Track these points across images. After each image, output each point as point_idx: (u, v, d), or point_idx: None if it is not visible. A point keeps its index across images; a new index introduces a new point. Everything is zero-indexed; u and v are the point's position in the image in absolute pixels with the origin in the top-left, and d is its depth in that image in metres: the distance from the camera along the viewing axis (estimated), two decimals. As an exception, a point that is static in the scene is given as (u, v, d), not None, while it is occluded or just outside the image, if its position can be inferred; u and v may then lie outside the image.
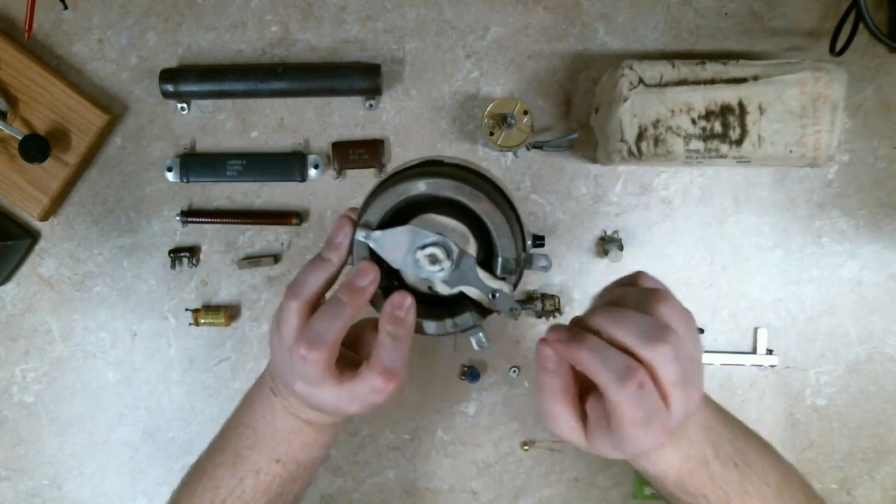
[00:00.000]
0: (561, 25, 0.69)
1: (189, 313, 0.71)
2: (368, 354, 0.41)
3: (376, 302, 0.41)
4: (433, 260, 0.38)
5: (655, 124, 0.61)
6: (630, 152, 0.61)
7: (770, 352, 0.70)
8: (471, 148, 0.70)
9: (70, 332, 0.72)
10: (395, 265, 0.40)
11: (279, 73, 0.67)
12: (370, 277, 0.39)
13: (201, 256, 0.71)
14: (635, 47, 0.69)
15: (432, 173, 0.39)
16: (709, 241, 0.70)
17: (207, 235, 0.71)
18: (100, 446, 0.73)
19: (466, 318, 0.40)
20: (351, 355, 0.44)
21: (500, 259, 0.39)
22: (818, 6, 0.68)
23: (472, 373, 0.70)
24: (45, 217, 0.70)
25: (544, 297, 0.70)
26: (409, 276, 0.41)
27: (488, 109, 0.64)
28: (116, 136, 0.70)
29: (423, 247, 0.38)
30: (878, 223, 0.69)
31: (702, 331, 0.71)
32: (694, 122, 0.60)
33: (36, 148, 0.64)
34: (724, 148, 0.61)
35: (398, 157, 0.70)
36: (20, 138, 0.64)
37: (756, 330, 0.70)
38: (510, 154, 0.70)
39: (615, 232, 0.70)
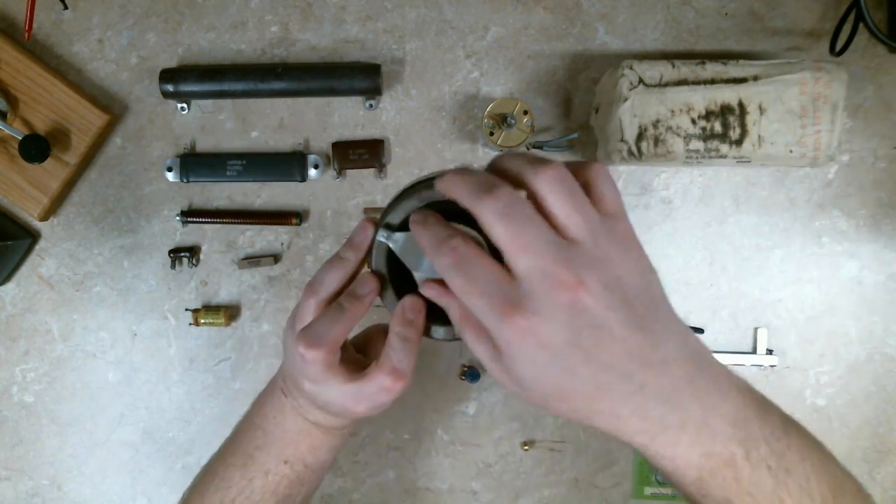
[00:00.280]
0: (561, 25, 0.69)
1: (189, 313, 0.71)
2: (377, 356, 0.42)
3: (389, 303, 0.42)
4: None
5: (655, 124, 0.61)
6: (630, 152, 0.61)
7: (770, 352, 0.70)
8: (471, 148, 0.70)
9: (70, 332, 0.72)
10: (411, 268, 0.40)
11: (279, 73, 0.67)
12: (370, 287, 0.41)
13: (201, 256, 0.71)
14: (635, 47, 0.69)
15: None
16: (709, 241, 0.70)
17: (207, 235, 0.71)
18: (100, 446, 0.73)
19: None
20: (360, 358, 0.45)
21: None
22: (818, 6, 0.68)
23: (472, 373, 0.70)
24: (45, 217, 0.70)
25: None
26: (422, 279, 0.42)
27: (488, 109, 0.64)
28: (116, 136, 0.70)
29: None
30: (878, 223, 0.69)
31: (702, 331, 0.71)
32: (694, 122, 0.60)
33: (36, 148, 0.64)
34: (724, 148, 0.61)
35: (398, 157, 0.70)
36: (20, 138, 0.64)
37: (756, 330, 0.70)
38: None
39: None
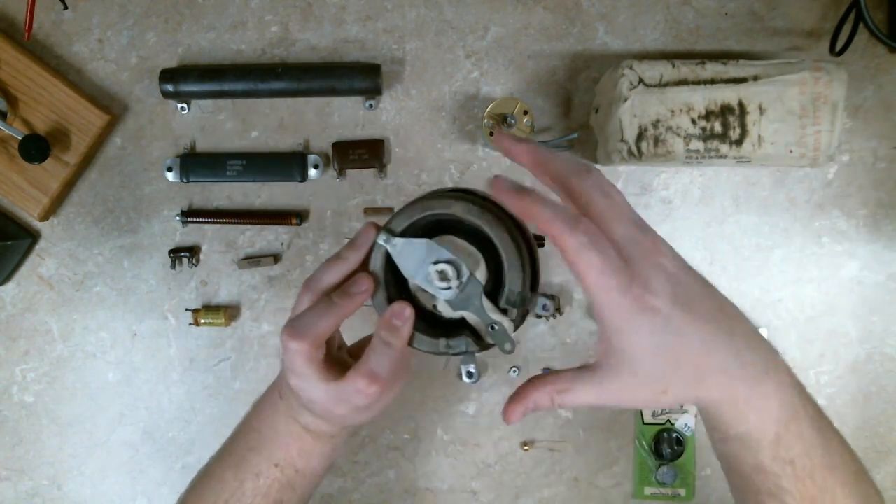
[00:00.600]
0: (561, 25, 0.69)
1: (189, 313, 0.71)
2: None
3: (379, 306, 0.42)
4: (442, 277, 0.39)
5: (655, 124, 0.61)
6: (630, 152, 0.61)
7: (770, 352, 0.70)
8: (471, 148, 0.70)
9: (70, 332, 0.72)
10: (406, 274, 0.41)
11: (279, 73, 0.67)
12: (363, 286, 0.41)
13: (201, 256, 0.71)
14: (635, 47, 0.69)
15: (463, 198, 0.40)
16: (709, 241, 0.70)
17: (207, 235, 0.71)
18: (100, 446, 0.73)
19: (461, 342, 0.41)
20: (351, 362, 0.45)
21: (505, 290, 0.39)
22: (818, 6, 0.68)
23: (471, 372, 0.70)
24: (45, 217, 0.70)
25: (544, 297, 0.70)
26: (417, 291, 0.43)
27: (488, 109, 0.64)
28: (116, 136, 0.70)
29: (436, 262, 0.39)
30: (878, 223, 0.69)
31: (702, 331, 0.71)
32: (694, 122, 0.60)
33: (36, 148, 0.64)
34: (724, 148, 0.61)
35: (398, 157, 0.70)
36: (20, 138, 0.64)
37: (756, 330, 0.70)
38: (510, 154, 0.69)
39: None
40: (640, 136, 0.61)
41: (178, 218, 0.69)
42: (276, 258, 0.71)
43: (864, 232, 0.69)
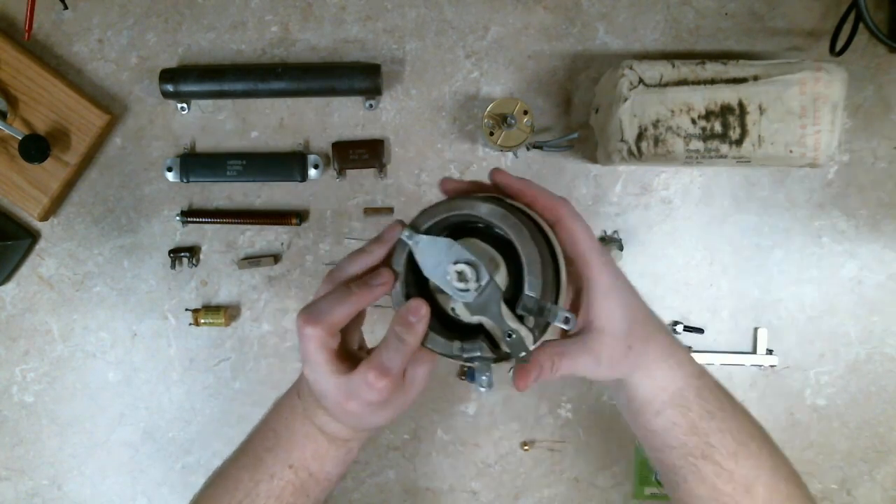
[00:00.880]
0: (561, 25, 0.69)
1: (189, 313, 0.71)
2: None
3: (396, 303, 0.42)
4: (461, 278, 0.38)
5: (655, 124, 0.61)
6: (630, 152, 0.61)
7: (770, 352, 0.70)
8: (471, 148, 0.70)
9: (70, 332, 0.72)
10: (426, 272, 0.40)
11: (279, 73, 0.67)
12: (383, 279, 0.41)
13: (201, 256, 0.71)
14: (635, 47, 0.69)
15: (489, 200, 0.40)
16: (709, 241, 0.70)
17: (207, 235, 0.71)
18: (100, 446, 0.73)
19: (475, 346, 0.40)
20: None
21: (523, 295, 0.38)
22: (818, 6, 0.68)
23: (472, 373, 0.70)
24: (45, 217, 0.70)
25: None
26: (437, 294, 0.42)
27: (488, 109, 0.64)
28: (116, 136, 0.70)
29: (456, 262, 0.38)
30: (878, 223, 0.69)
31: (701, 331, 0.71)
32: (694, 122, 0.60)
33: (36, 148, 0.64)
34: (724, 148, 0.61)
35: (398, 157, 0.70)
36: (20, 138, 0.64)
37: (756, 330, 0.70)
38: (510, 154, 0.70)
39: (615, 232, 0.70)
40: (640, 136, 0.61)
41: (178, 218, 0.69)
42: (276, 258, 0.71)
43: (864, 232, 0.69)
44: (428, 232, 0.40)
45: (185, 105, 0.69)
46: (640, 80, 0.61)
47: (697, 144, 0.61)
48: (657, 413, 0.46)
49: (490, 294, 0.38)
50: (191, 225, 0.70)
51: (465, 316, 0.40)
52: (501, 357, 0.40)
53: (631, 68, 0.61)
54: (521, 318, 0.39)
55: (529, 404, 0.72)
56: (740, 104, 0.60)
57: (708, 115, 0.60)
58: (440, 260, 0.39)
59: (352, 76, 0.67)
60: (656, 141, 0.61)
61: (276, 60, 0.70)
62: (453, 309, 0.41)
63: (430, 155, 0.70)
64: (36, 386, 0.72)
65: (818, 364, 0.71)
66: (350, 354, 0.44)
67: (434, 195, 0.70)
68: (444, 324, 0.42)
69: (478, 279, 0.38)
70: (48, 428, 0.73)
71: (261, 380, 0.72)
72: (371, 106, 0.69)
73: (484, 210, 0.39)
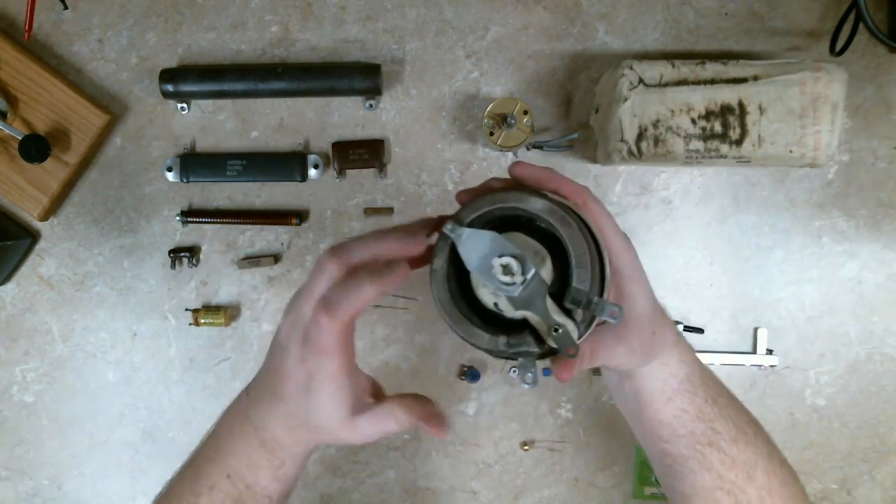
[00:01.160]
0: (561, 25, 0.69)
1: (189, 313, 0.71)
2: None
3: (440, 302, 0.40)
4: (506, 271, 0.37)
5: (655, 124, 0.61)
6: (630, 152, 0.61)
7: (770, 352, 0.70)
8: (471, 148, 0.70)
9: (70, 332, 0.72)
10: (469, 266, 0.38)
11: (279, 73, 0.67)
12: (404, 271, 0.38)
13: (201, 256, 0.71)
14: (635, 47, 0.69)
15: (536, 194, 0.39)
16: (709, 241, 0.70)
17: (207, 235, 0.71)
18: (100, 446, 0.73)
19: (522, 341, 0.39)
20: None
21: (572, 288, 0.38)
22: (818, 6, 0.68)
23: (472, 373, 0.70)
24: (45, 217, 0.70)
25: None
26: (480, 289, 0.41)
27: (488, 109, 0.64)
28: (116, 136, 0.70)
29: (501, 255, 0.37)
30: (878, 223, 0.69)
31: (701, 331, 0.71)
32: (694, 122, 0.60)
33: (36, 148, 0.64)
34: (724, 148, 0.61)
35: (398, 157, 0.70)
36: (20, 138, 0.64)
37: (756, 330, 0.70)
38: (510, 154, 0.70)
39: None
40: (640, 136, 0.61)
41: (178, 218, 0.69)
42: (276, 258, 0.71)
43: (864, 232, 0.69)
44: (471, 226, 0.39)
45: (185, 105, 0.69)
46: (640, 80, 0.61)
47: (697, 144, 0.61)
48: (668, 400, 0.46)
49: (535, 288, 0.38)
50: (191, 225, 0.70)
51: (509, 311, 0.39)
52: (547, 353, 0.39)
53: (631, 68, 0.61)
54: (567, 312, 0.38)
55: (529, 404, 0.72)
56: (740, 104, 0.60)
57: (708, 115, 0.60)
58: (484, 254, 0.38)
59: (352, 76, 0.67)
60: (656, 141, 0.61)
61: (276, 60, 0.70)
62: (496, 304, 0.40)
63: (430, 155, 0.70)
64: (36, 386, 0.72)
65: (818, 364, 0.71)
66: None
67: (434, 195, 0.70)
68: (486, 319, 0.41)
69: (523, 272, 0.37)
70: (48, 428, 0.73)
71: (261, 380, 0.72)
72: (371, 106, 0.69)
73: (532, 204, 0.38)
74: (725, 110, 0.60)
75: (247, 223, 0.70)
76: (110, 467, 0.73)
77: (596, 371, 0.71)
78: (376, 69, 0.67)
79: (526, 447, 0.72)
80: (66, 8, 0.69)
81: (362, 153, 0.69)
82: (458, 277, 0.41)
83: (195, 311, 0.70)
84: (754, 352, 0.71)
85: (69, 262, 0.71)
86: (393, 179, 0.70)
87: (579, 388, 0.72)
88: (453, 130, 0.70)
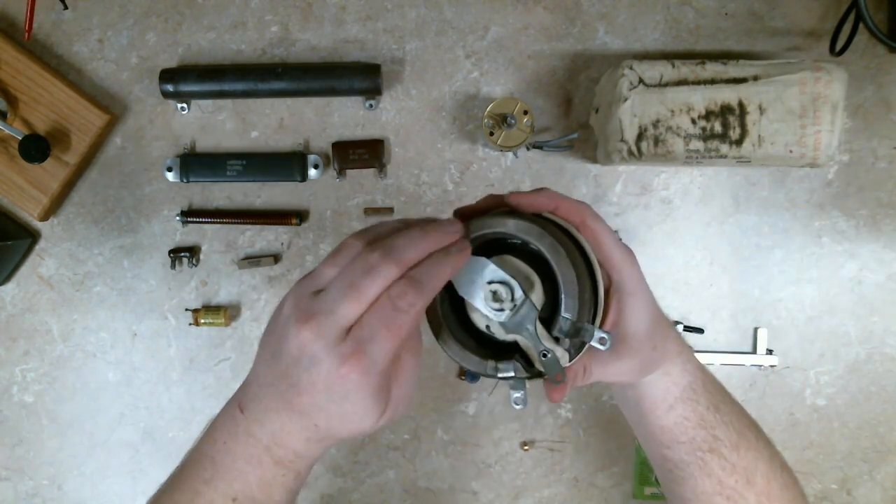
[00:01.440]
0: (561, 25, 0.69)
1: (189, 313, 0.71)
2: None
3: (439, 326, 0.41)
4: (495, 298, 0.38)
5: (655, 124, 0.61)
6: (630, 152, 0.61)
7: (770, 352, 0.70)
8: (471, 148, 0.70)
9: (70, 332, 0.72)
10: (461, 292, 0.39)
11: (279, 73, 0.67)
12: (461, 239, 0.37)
13: (201, 256, 0.71)
14: (635, 47, 0.69)
15: (518, 216, 0.39)
16: (709, 241, 0.70)
17: (207, 235, 0.71)
18: (100, 446, 0.73)
19: (510, 366, 0.39)
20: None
21: (559, 317, 0.38)
22: (818, 6, 0.68)
23: (471, 374, 0.70)
24: (45, 217, 0.70)
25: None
26: (472, 312, 0.41)
27: (488, 109, 0.64)
28: (116, 136, 0.70)
29: (490, 282, 0.38)
30: (878, 223, 0.69)
31: (701, 331, 0.71)
32: (694, 122, 0.60)
33: (36, 148, 0.64)
34: (724, 148, 0.61)
35: (398, 157, 0.70)
36: (20, 138, 0.64)
37: (756, 330, 0.70)
38: (510, 154, 0.70)
39: (615, 232, 0.70)
40: (640, 136, 0.61)
41: (178, 218, 0.69)
42: (276, 258, 0.71)
43: (864, 232, 0.69)
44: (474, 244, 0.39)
45: (185, 105, 0.69)
46: (640, 80, 0.61)
47: (697, 144, 0.61)
48: (669, 408, 0.46)
49: (525, 314, 0.38)
50: (191, 225, 0.70)
51: (500, 334, 0.40)
52: (536, 375, 0.40)
53: (631, 68, 0.61)
54: (557, 339, 0.39)
55: (529, 404, 0.72)
56: (740, 104, 0.60)
57: (708, 115, 0.60)
58: (474, 279, 0.38)
59: (352, 76, 0.67)
60: (656, 141, 0.61)
61: (276, 60, 0.70)
62: (488, 327, 0.40)
63: (430, 155, 0.70)
64: (36, 386, 0.72)
65: (818, 364, 0.71)
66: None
67: (434, 195, 0.70)
68: (479, 341, 0.41)
69: (513, 299, 0.37)
70: (48, 428, 0.73)
71: (261, 380, 0.72)
72: (371, 106, 0.69)
73: (512, 226, 0.38)
74: (725, 110, 0.60)
75: (247, 223, 0.70)
76: (110, 467, 0.73)
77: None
78: (376, 69, 0.67)
79: (526, 447, 0.72)
80: (66, 8, 0.69)
81: (362, 153, 0.69)
82: (452, 298, 0.41)
83: (195, 311, 0.70)
84: (754, 352, 0.71)
85: (69, 262, 0.71)
86: (393, 179, 0.70)
87: (579, 389, 0.72)
88: (453, 130, 0.70)
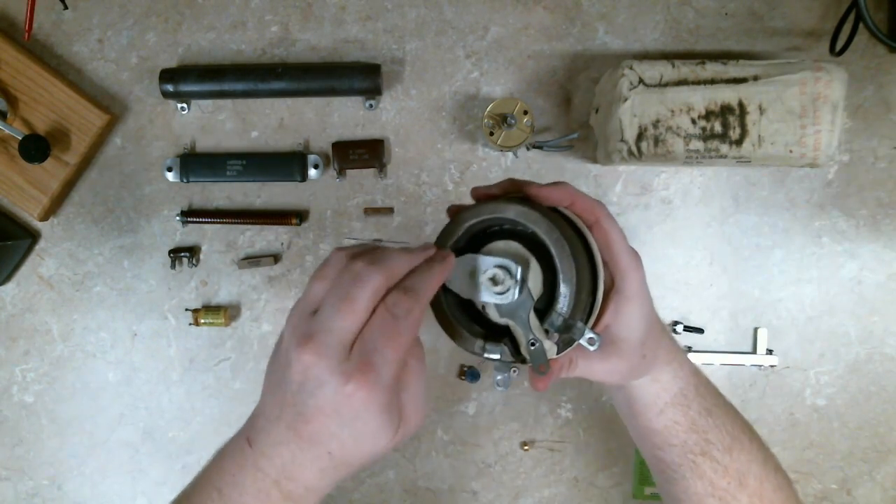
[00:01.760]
0: (561, 25, 0.69)
1: (189, 313, 0.71)
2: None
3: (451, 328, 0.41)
4: (494, 282, 0.38)
5: (655, 124, 0.61)
6: (630, 152, 0.61)
7: (770, 352, 0.70)
8: (471, 148, 0.70)
9: (70, 332, 0.72)
10: (464, 296, 0.39)
11: (279, 73, 0.67)
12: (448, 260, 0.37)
13: (201, 256, 0.71)
14: (635, 47, 0.69)
15: (520, 203, 0.39)
16: (709, 241, 0.70)
17: (207, 235, 0.71)
18: (100, 446, 0.73)
19: (497, 349, 0.40)
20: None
21: (553, 312, 0.38)
22: (818, 6, 0.68)
23: (471, 373, 0.70)
24: (45, 217, 0.70)
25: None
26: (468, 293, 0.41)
27: (488, 109, 0.64)
28: (116, 136, 0.70)
29: (486, 270, 0.38)
30: (878, 223, 0.69)
31: (701, 331, 0.71)
32: (694, 122, 0.60)
33: (36, 148, 0.64)
34: (724, 148, 0.61)
35: (398, 157, 0.70)
36: (20, 138, 0.64)
37: (756, 330, 0.70)
38: (510, 154, 0.70)
39: None
40: (640, 136, 0.61)
41: (178, 218, 0.69)
42: (276, 258, 0.71)
43: (864, 232, 0.69)
44: (457, 244, 0.40)
45: (185, 105, 0.69)
46: (640, 80, 0.61)
47: (697, 144, 0.61)
48: (660, 412, 0.46)
49: (521, 301, 0.38)
50: (191, 225, 0.70)
51: (494, 316, 0.40)
52: (522, 361, 0.40)
53: (631, 68, 0.61)
54: (547, 331, 0.39)
55: (529, 404, 0.72)
56: (740, 104, 0.60)
57: (708, 115, 0.60)
58: (469, 277, 0.39)
59: (352, 76, 0.67)
60: (656, 141, 0.61)
61: (276, 60, 0.70)
62: (483, 306, 0.41)
63: (430, 155, 0.70)
64: (36, 386, 0.72)
65: (818, 364, 0.71)
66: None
67: (434, 195, 0.70)
68: (472, 319, 0.42)
69: (512, 276, 0.38)
70: (48, 428, 0.73)
71: (260, 380, 0.72)
72: (371, 106, 0.69)
73: (513, 213, 0.38)
74: (725, 110, 0.60)
75: (247, 223, 0.70)
76: (110, 467, 0.73)
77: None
78: (376, 69, 0.67)
79: (526, 447, 0.72)
80: (66, 8, 0.69)
81: (362, 153, 0.69)
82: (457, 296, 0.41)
83: (195, 311, 0.70)
84: (754, 352, 0.71)
85: (69, 262, 0.71)
86: (393, 179, 0.70)
87: (579, 388, 0.72)
88: (453, 130, 0.70)
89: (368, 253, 0.35)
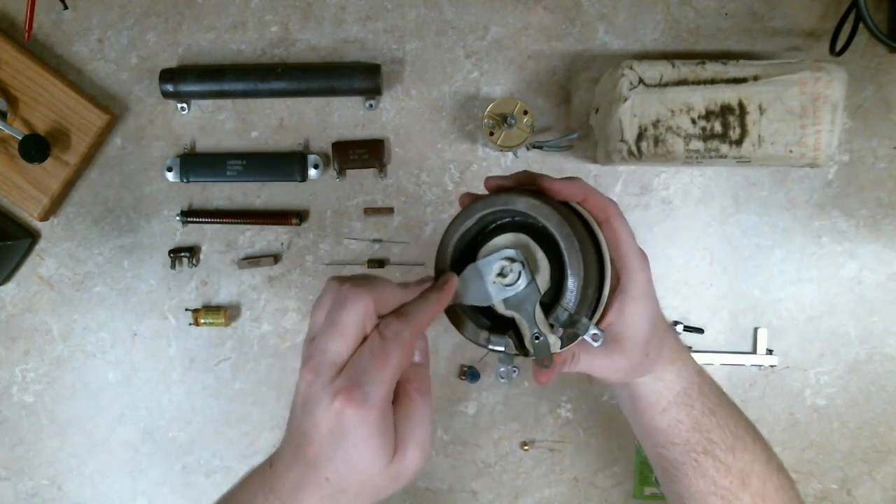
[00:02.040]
0: (561, 25, 0.69)
1: (189, 313, 0.71)
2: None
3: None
4: (502, 274, 0.38)
5: (655, 124, 0.61)
6: (630, 152, 0.61)
7: (770, 352, 0.70)
8: (471, 148, 0.70)
9: (70, 332, 0.72)
10: (482, 304, 0.40)
11: (279, 73, 0.67)
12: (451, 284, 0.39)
13: (201, 256, 0.71)
14: (635, 47, 0.69)
15: (530, 194, 0.39)
16: (709, 241, 0.70)
17: (207, 235, 0.71)
18: (100, 446, 0.73)
19: (502, 341, 0.40)
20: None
21: (558, 307, 0.38)
22: (818, 6, 0.68)
23: (471, 373, 0.70)
24: (45, 217, 0.70)
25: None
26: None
27: (488, 109, 0.64)
28: (116, 136, 0.70)
29: (490, 270, 0.39)
30: (878, 223, 0.69)
31: (701, 331, 0.71)
32: (694, 122, 0.60)
33: (36, 148, 0.64)
34: (724, 148, 0.61)
35: (398, 157, 0.70)
36: (20, 138, 0.64)
37: (756, 330, 0.70)
38: (510, 154, 0.70)
39: None
40: (640, 136, 0.61)
41: (178, 218, 0.69)
42: (276, 258, 0.71)
43: (864, 232, 0.69)
44: (464, 242, 0.41)
45: (185, 105, 0.69)
46: (640, 80, 0.61)
47: (697, 144, 0.61)
48: (663, 411, 0.47)
49: (528, 294, 0.39)
50: (191, 225, 0.70)
51: (500, 307, 0.40)
52: (525, 354, 0.40)
53: (631, 68, 0.61)
54: (552, 325, 0.39)
55: (529, 404, 0.72)
56: (740, 104, 0.60)
57: (708, 115, 0.60)
58: (478, 285, 0.39)
59: (352, 76, 0.67)
60: (656, 141, 0.61)
61: (276, 60, 0.70)
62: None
63: (430, 155, 0.70)
64: (36, 386, 0.72)
65: (818, 364, 0.71)
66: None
67: (434, 195, 0.70)
68: (478, 309, 0.42)
69: (521, 263, 0.38)
70: (48, 428, 0.73)
71: (261, 380, 0.72)
72: (371, 106, 0.69)
73: (522, 205, 0.38)
74: (725, 110, 0.60)
75: (247, 223, 0.70)
76: (110, 467, 0.73)
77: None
78: (376, 69, 0.67)
79: (526, 447, 0.72)
80: (66, 8, 0.69)
81: (362, 153, 0.69)
82: (461, 265, 0.41)
83: (195, 311, 0.70)
84: (754, 352, 0.71)
85: (69, 262, 0.71)
86: (393, 179, 0.70)
87: (579, 388, 0.72)
88: (453, 130, 0.70)
89: (357, 278, 0.37)
